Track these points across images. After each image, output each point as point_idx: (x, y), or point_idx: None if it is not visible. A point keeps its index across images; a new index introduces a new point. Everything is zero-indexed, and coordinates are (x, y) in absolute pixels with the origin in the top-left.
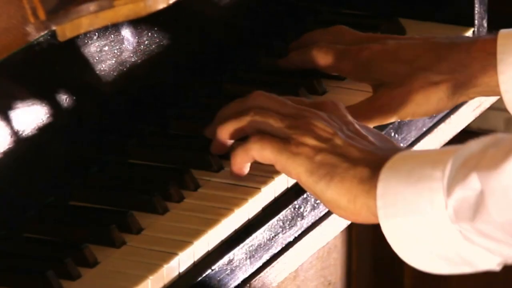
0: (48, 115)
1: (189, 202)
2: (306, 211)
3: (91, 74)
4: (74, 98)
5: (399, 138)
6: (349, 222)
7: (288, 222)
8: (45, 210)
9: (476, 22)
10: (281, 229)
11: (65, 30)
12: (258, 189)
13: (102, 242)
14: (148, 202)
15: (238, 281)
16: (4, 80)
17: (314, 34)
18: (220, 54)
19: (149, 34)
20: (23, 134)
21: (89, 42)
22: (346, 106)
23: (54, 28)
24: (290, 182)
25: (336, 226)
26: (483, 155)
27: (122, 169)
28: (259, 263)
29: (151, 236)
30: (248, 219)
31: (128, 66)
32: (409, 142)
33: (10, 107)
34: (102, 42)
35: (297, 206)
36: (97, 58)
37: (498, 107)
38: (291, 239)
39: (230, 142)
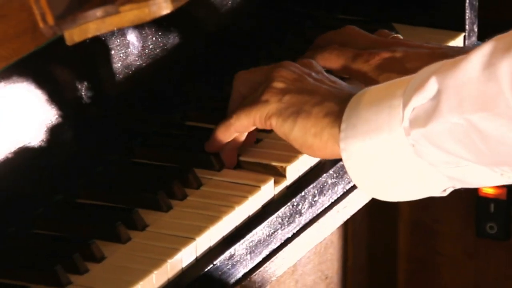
0: (56, 116)
1: (192, 200)
2: (304, 208)
3: (98, 77)
4: (82, 100)
5: None
6: (345, 219)
7: (286, 219)
8: (53, 207)
9: (467, 27)
10: (280, 226)
11: (73, 35)
12: (258, 187)
13: (109, 238)
14: (153, 200)
15: (239, 275)
16: (14, 82)
17: (327, 35)
18: (221, 57)
19: (153, 38)
20: (33, 135)
21: (96, 46)
22: None
23: (62, 33)
24: (289, 180)
25: (332, 222)
26: (444, 63)
27: (128, 168)
28: (259, 258)
29: (156, 233)
30: (248, 216)
31: (133, 69)
32: None
33: (20, 108)
34: (108, 47)
35: (295, 204)
36: (103, 61)
37: None
38: (289, 235)
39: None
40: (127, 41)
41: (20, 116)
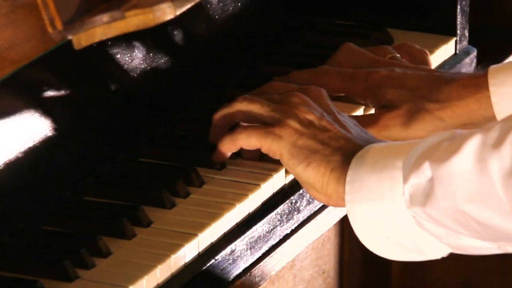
0: (65, 117)
1: (194, 198)
2: (302, 205)
3: (104, 79)
4: (89, 101)
5: None
6: (341, 216)
7: (285, 216)
8: (62, 204)
9: (458, 32)
10: (279, 222)
11: (80, 39)
12: (257, 185)
13: (115, 234)
14: (157, 197)
15: (239, 270)
16: (24, 85)
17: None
18: (223, 61)
19: (158, 43)
20: (42, 135)
21: (103, 50)
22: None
23: (70, 37)
24: (288, 179)
25: (329, 219)
26: (438, 146)
27: (133, 167)
28: (258, 254)
29: (160, 229)
30: (249, 213)
31: (138, 72)
32: None
33: (31, 110)
34: (114, 50)
35: (293, 201)
36: (110, 64)
37: None
38: (288, 231)
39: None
40: (132, 46)
41: (31, 117)
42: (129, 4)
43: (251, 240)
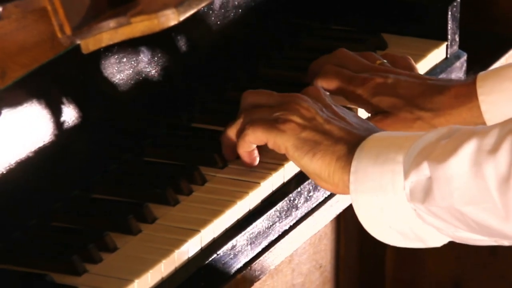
0: (74, 119)
1: (197, 195)
2: (300, 203)
3: (111, 82)
4: (97, 103)
5: None
6: (338, 213)
7: (284, 213)
8: (70, 202)
9: (449, 36)
10: (278, 219)
11: (88, 44)
12: (257, 183)
13: (121, 230)
14: (161, 195)
15: (240, 264)
16: (35, 88)
17: (320, 60)
18: (224, 65)
19: (162, 47)
20: (52, 136)
21: (110, 54)
22: None
23: (78, 42)
24: (286, 177)
25: (326, 216)
26: (436, 145)
27: (138, 166)
28: (258, 249)
29: (164, 225)
30: (249, 210)
31: (143, 75)
32: None
33: (41, 112)
34: (121, 55)
35: (292, 199)
36: (116, 68)
37: None
38: (286, 227)
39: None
40: (138, 50)
41: (41, 118)
42: (135, 11)
43: (251, 235)
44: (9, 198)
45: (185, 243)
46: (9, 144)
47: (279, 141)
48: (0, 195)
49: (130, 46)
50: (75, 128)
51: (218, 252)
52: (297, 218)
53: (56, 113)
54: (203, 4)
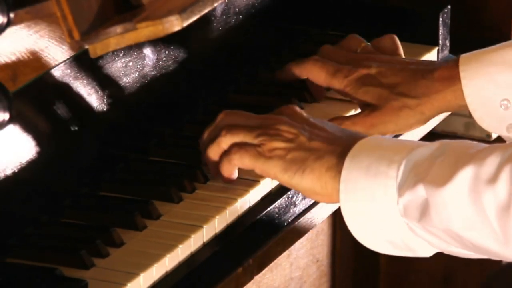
0: (83, 120)
1: (200, 193)
2: (298, 200)
3: (118, 85)
4: (104, 105)
5: None
6: (334, 209)
7: (283, 209)
8: (79, 199)
9: (440, 42)
10: (277, 215)
11: (96, 49)
12: (257, 181)
13: (127, 226)
14: (166, 192)
15: (241, 257)
16: (45, 90)
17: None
18: (226, 69)
19: (167, 52)
20: (63, 137)
21: (116, 58)
22: (335, 117)
23: (86, 47)
24: None
25: (323, 212)
26: (430, 165)
27: (144, 165)
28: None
29: (168, 221)
30: (249, 207)
31: (149, 78)
32: None
33: (52, 114)
34: (127, 59)
35: (290, 196)
36: (123, 72)
37: (458, 113)
38: (285, 223)
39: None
40: (143, 54)
41: (53, 119)
42: (141, 17)
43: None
44: (21, 196)
45: (188, 238)
46: (22, 144)
47: (267, 169)
48: (13, 193)
49: (136, 50)
50: (84, 129)
51: (220, 247)
52: (295, 215)
53: (66, 115)
54: (206, 11)
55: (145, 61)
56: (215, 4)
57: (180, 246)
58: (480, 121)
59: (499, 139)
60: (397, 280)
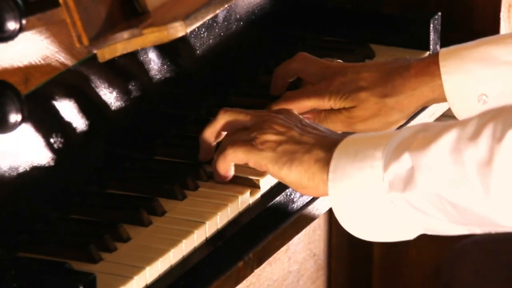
0: (91, 121)
1: (202, 191)
2: (296, 197)
3: (125, 88)
4: (112, 107)
5: None
6: (330, 206)
7: (281, 206)
8: (88, 196)
9: (431, 47)
10: (275, 212)
11: (104, 53)
12: (257, 180)
13: (134, 222)
14: (170, 190)
15: (242, 252)
16: (56, 92)
17: (283, 65)
18: (227, 72)
19: (171, 56)
20: (72, 137)
21: (124, 63)
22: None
23: (95, 51)
24: None
25: (320, 209)
26: (414, 138)
27: (149, 164)
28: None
29: (173, 218)
30: (249, 204)
31: (154, 82)
32: None
33: (63, 115)
34: (133, 63)
35: (288, 193)
36: (129, 76)
37: (448, 114)
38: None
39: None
40: (149, 58)
41: (61, 122)
42: (146, 23)
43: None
44: (32, 193)
45: (192, 234)
46: (34, 144)
47: (258, 160)
48: (24, 191)
49: (142, 55)
50: (92, 130)
51: (222, 241)
52: (293, 212)
53: (75, 116)
54: (208, 17)
55: (150, 65)
56: (217, 11)
57: (184, 241)
58: (458, 114)
59: None
60: (390, 273)
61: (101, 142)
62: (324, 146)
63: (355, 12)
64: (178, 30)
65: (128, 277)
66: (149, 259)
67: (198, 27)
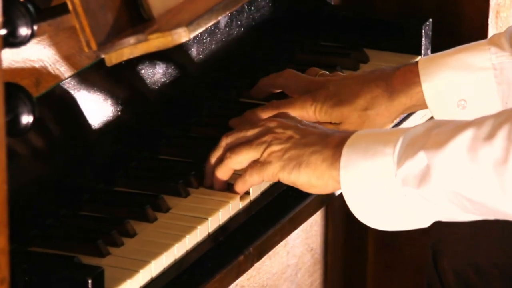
0: (98, 122)
1: (205, 188)
2: (294, 194)
3: (131, 91)
4: (118, 109)
5: None
6: (327, 203)
7: (280, 203)
8: (96, 194)
9: (422, 52)
10: (274, 209)
11: (111, 58)
12: None
13: (140, 218)
14: (174, 188)
15: (243, 245)
16: (65, 94)
17: (269, 78)
18: (228, 75)
19: (175, 60)
20: (80, 137)
21: (130, 67)
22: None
23: (103, 56)
24: None
25: (317, 205)
26: (428, 135)
27: (155, 163)
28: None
29: (177, 214)
30: (250, 201)
31: (158, 85)
32: None
33: (71, 116)
34: (139, 67)
35: (287, 191)
36: (135, 79)
37: None
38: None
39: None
40: (154, 63)
41: (69, 123)
42: (152, 29)
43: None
44: (43, 191)
45: (195, 229)
46: (45, 144)
47: (270, 174)
48: (35, 189)
49: (148, 59)
50: (100, 131)
51: (224, 236)
52: (291, 208)
53: (84, 117)
54: (211, 23)
55: (155, 69)
56: (219, 18)
57: (188, 236)
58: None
59: None
60: (384, 268)
61: (108, 143)
62: (329, 144)
63: (350, 18)
64: (182, 35)
65: (134, 271)
66: (154, 254)
67: (201, 33)
